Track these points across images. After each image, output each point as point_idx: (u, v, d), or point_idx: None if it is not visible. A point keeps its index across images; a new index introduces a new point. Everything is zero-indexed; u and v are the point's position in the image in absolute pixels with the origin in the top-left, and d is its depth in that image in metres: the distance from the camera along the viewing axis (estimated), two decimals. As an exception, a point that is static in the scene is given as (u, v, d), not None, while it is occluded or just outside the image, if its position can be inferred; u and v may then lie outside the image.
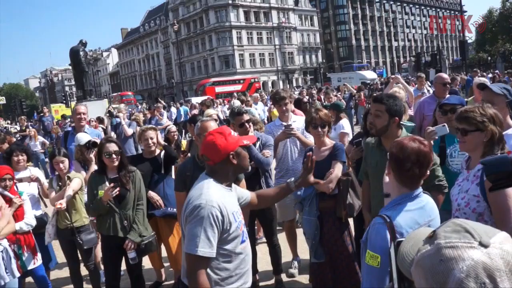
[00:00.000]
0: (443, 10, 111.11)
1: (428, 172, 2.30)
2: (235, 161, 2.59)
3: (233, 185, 2.84)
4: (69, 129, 7.28)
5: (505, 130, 3.20)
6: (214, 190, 2.51)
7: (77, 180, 4.91)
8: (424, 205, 2.28)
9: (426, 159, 2.24)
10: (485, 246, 0.93)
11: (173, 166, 5.26)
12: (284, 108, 5.35)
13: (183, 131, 12.12)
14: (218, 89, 49.34)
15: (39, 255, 4.74)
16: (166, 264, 5.48)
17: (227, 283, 2.55)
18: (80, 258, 5.04)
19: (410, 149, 2.21)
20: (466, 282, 0.90)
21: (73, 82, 54.07)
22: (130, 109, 24.41)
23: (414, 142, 2.24)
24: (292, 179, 3.18)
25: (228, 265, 2.54)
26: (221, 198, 2.49)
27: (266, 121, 12.12)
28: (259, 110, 11.67)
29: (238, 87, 51.72)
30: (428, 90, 10.37)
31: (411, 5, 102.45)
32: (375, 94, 4.03)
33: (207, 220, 2.38)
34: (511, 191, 2.53)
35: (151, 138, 5.10)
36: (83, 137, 5.58)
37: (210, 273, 2.48)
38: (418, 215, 2.22)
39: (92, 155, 5.31)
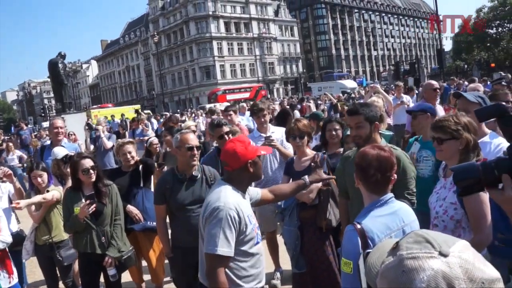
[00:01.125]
0: (421, 20, 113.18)
1: (395, 176, 2.38)
2: (252, 169, 2.77)
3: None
4: (48, 143, 7.16)
5: (480, 137, 3.27)
6: (231, 194, 2.71)
7: (54, 192, 4.81)
8: (396, 210, 2.33)
9: (388, 163, 2.33)
10: (444, 255, 0.96)
11: (152, 179, 5.21)
12: (262, 119, 5.36)
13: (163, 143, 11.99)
14: (229, 96, 50.80)
15: (15, 274, 4.61)
16: (146, 278, 5.40)
17: (245, 281, 2.73)
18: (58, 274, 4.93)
19: (370, 156, 2.32)
20: None
21: (52, 95, 53.57)
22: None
23: (373, 149, 2.36)
24: (306, 176, 3.44)
25: (245, 264, 2.71)
26: (238, 202, 2.69)
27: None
28: (248, 121, 11.64)
29: (246, 94, 53.78)
30: (407, 98, 10.52)
31: (389, 15, 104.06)
32: (349, 108, 4.11)
33: (226, 221, 2.56)
34: (486, 198, 2.57)
35: (130, 152, 5.05)
36: (59, 151, 5.49)
37: (229, 272, 2.65)
38: (390, 220, 2.26)
39: (69, 169, 5.22)
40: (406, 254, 0.99)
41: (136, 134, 12.60)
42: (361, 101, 14.06)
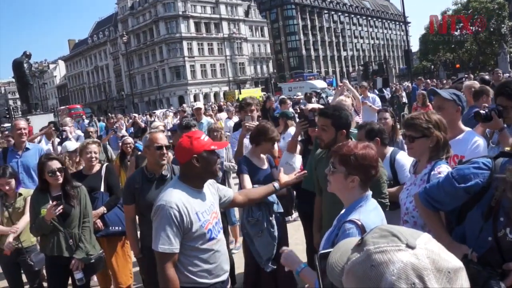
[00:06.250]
0: (389, 21, 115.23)
1: None
2: (198, 164, 2.72)
3: (216, 185, 3.08)
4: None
5: (457, 135, 3.33)
6: (176, 192, 2.70)
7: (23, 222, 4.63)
8: (376, 205, 2.38)
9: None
10: (412, 247, 0.97)
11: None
12: (250, 115, 5.50)
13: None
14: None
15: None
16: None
17: (198, 276, 2.75)
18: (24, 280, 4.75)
19: (370, 153, 2.33)
20: (398, 284, 0.92)
21: (17, 96, 52.16)
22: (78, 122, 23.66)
23: (367, 148, 2.36)
24: (276, 182, 3.50)
25: (196, 260, 2.74)
26: (183, 199, 2.67)
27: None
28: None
29: None
30: (373, 99, 10.65)
31: (358, 16, 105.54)
32: (323, 107, 4.10)
33: (166, 220, 2.60)
34: None
35: (95, 153, 4.94)
36: (71, 145, 5.46)
37: (180, 267, 2.70)
38: (376, 215, 2.30)
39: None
40: (374, 249, 0.99)
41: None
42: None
